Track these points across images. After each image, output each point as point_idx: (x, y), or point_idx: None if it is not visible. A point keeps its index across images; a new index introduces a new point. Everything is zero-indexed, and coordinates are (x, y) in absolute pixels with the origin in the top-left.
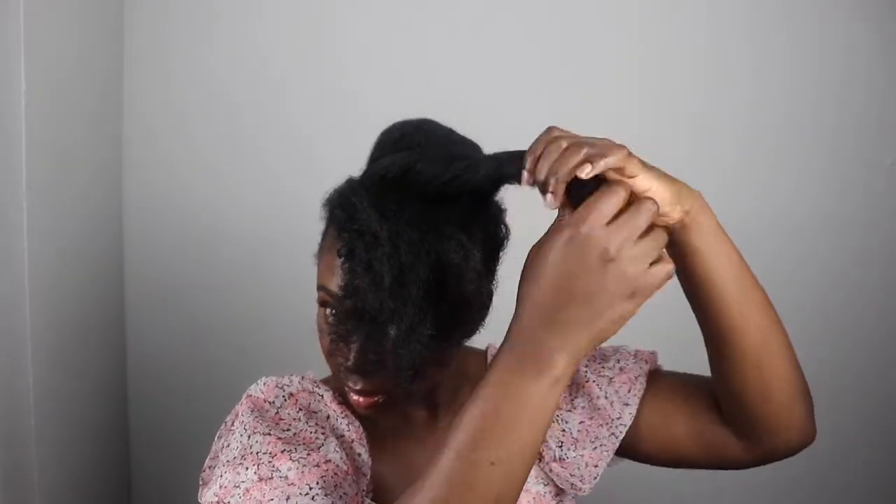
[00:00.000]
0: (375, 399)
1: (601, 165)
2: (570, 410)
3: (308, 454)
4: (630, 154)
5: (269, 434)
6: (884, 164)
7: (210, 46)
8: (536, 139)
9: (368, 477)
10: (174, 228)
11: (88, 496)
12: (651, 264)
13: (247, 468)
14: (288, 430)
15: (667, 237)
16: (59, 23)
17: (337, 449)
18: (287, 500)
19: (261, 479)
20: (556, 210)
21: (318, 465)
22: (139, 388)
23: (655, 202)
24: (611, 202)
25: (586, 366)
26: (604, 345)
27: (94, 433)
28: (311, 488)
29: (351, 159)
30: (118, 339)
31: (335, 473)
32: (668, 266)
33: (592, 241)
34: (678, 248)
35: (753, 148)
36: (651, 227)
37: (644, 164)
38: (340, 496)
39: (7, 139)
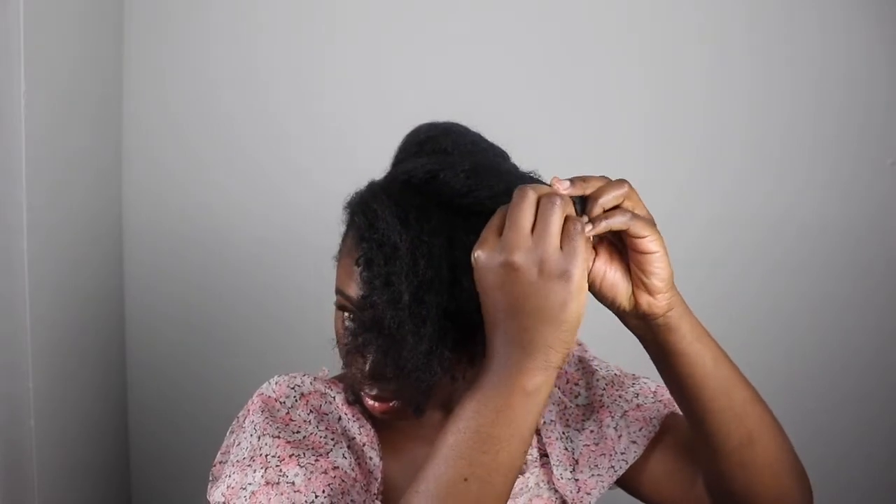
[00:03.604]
0: (391, 404)
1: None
2: (578, 430)
3: (316, 460)
4: (635, 214)
5: (279, 437)
6: (885, 165)
7: (209, 50)
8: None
9: (379, 480)
10: (174, 230)
11: (88, 498)
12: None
13: (255, 470)
14: (298, 432)
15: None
16: (59, 23)
17: (346, 455)
18: None
19: (267, 483)
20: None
21: (325, 472)
22: (139, 390)
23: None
24: (523, 215)
25: (604, 389)
26: (625, 370)
27: (94, 435)
28: (316, 496)
29: (349, 162)
30: (118, 340)
31: (342, 480)
32: (576, 227)
33: (516, 265)
34: (661, 351)
35: (755, 150)
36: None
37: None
38: None
39: (7, 139)
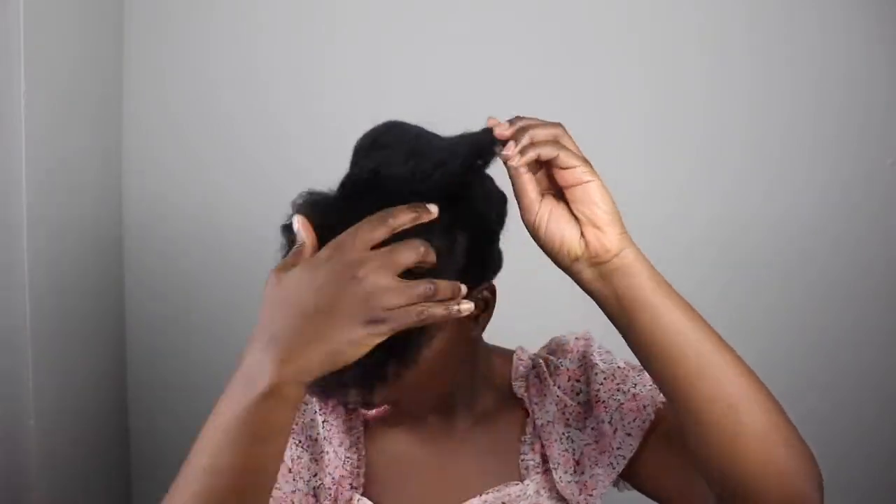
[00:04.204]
0: (383, 409)
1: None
2: (580, 429)
3: None
4: (564, 146)
5: None
6: (885, 165)
7: (209, 50)
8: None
9: (359, 475)
10: (174, 229)
11: (88, 496)
12: (415, 306)
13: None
14: None
15: (433, 288)
16: (59, 23)
17: (291, 446)
18: None
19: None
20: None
21: None
22: (139, 388)
23: (425, 245)
24: (378, 230)
25: (601, 383)
26: (633, 363)
27: (94, 434)
28: None
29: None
30: (118, 339)
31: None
32: (424, 314)
33: (346, 258)
34: (622, 307)
35: (755, 150)
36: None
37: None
38: None
39: (7, 139)
